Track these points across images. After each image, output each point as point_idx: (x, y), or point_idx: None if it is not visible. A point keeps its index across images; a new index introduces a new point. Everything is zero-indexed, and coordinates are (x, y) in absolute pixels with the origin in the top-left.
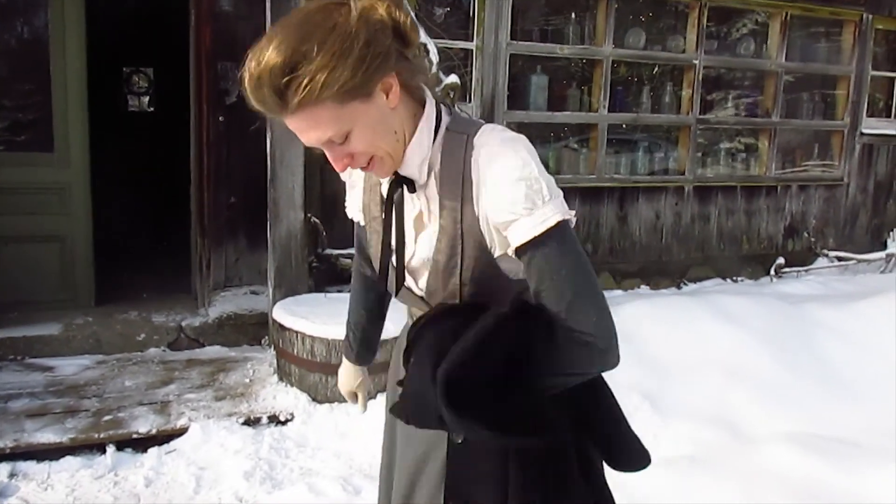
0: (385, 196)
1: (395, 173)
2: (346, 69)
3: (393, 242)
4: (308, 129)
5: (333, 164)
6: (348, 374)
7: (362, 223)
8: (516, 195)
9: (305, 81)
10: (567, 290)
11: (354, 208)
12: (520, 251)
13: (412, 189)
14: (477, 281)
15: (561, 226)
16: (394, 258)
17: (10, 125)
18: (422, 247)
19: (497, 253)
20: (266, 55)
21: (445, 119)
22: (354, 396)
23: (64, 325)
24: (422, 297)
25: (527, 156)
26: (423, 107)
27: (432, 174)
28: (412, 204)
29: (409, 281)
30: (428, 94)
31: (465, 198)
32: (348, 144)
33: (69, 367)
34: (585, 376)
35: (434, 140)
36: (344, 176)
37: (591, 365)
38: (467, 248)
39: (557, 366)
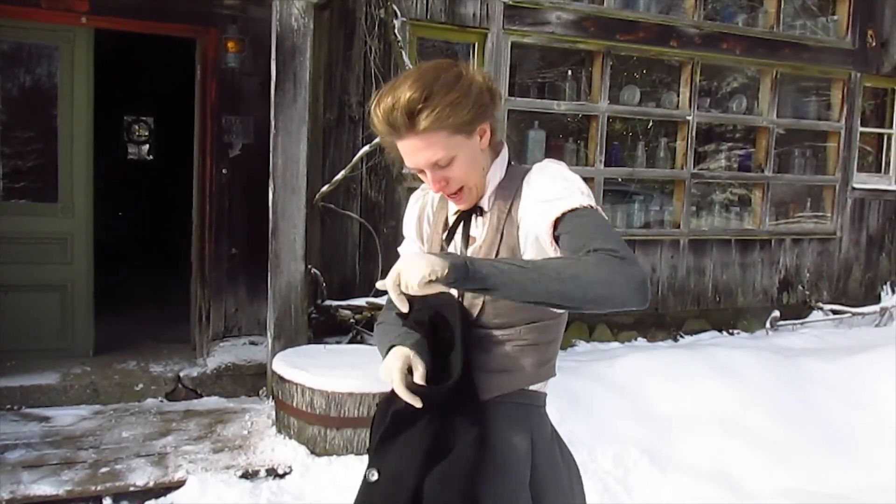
0: (449, 221)
1: None
2: (465, 108)
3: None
4: (424, 148)
5: (432, 184)
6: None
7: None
8: (555, 187)
9: (437, 110)
10: (597, 235)
11: (414, 240)
12: (556, 224)
13: (480, 214)
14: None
15: (594, 209)
16: None
17: (14, 174)
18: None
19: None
20: (403, 89)
21: (512, 162)
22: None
23: (62, 374)
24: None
25: (570, 173)
26: (499, 152)
27: (493, 199)
28: (473, 225)
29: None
30: (504, 142)
31: (511, 208)
32: (448, 170)
33: (66, 417)
34: (619, 289)
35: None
36: (411, 217)
37: (622, 274)
38: (502, 253)
39: (594, 273)
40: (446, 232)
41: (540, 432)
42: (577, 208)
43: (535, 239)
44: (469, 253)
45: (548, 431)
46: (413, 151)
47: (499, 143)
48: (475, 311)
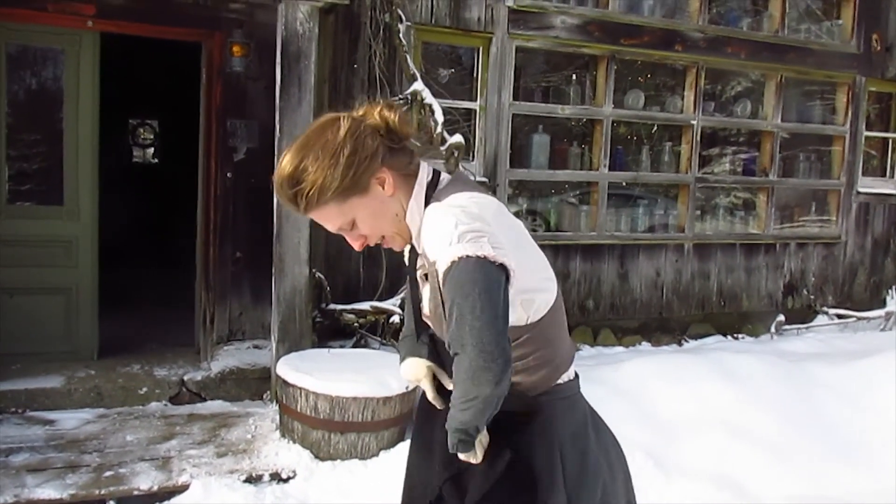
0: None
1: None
2: (337, 177)
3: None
4: (322, 221)
5: (351, 244)
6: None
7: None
8: (435, 241)
9: (307, 190)
10: (453, 323)
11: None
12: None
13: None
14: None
15: (463, 259)
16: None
17: (19, 177)
18: (426, 300)
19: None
20: (280, 169)
21: (443, 184)
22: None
23: (66, 377)
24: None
25: (451, 216)
26: (412, 189)
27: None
28: (422, 263)
29: (431, 325)
30: (423, 168)
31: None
32: (357, 230)
33: (70, 420)
34: (478, 395)
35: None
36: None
37: (471, 377)
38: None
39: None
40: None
41: (550, 434)
42: (453, 262)
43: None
44: (425, 297)
45: (571, 424)
46: (319, 221)
47: (412, 176)
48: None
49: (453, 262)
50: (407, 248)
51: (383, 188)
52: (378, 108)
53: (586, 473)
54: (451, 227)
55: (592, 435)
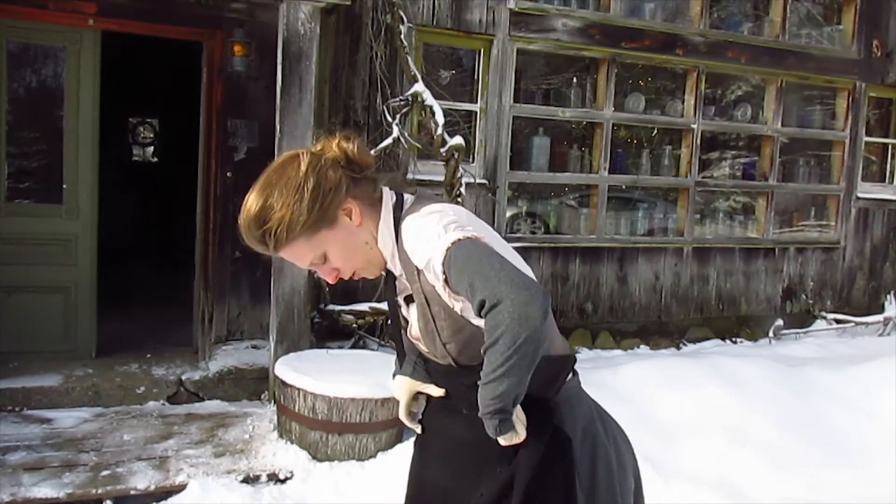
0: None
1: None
2: (303, 211)
3: (412, 319)
4: (293, 259)
5: (325, 278)
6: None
7: None
8: (422, 243)
9: (275, 228)
10: (476, 281)
11: None
12: (444, 271)
13: (396, 279)
14: (458, 340)
15: (457, 242)
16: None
17: (18, 174)
18: (413, 321)
19: (458, 307)
20: (246, 212)
21: (408, 204)
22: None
23: (63, 376)
24: (433, 358)
25: (431, 218)
26: (380, 214)
27: (397, 260)
28: (402, 286)
29: (420, 347)
30: (386, 192)
31: (418, 271)
32: (329, 263)
33: (68, 419)
34: (520, 337)
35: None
36: None
37: (517, 318)
38: (435, 313)
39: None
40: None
41: (564, 433)
42: (448, 249)
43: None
44: (412, 317)
45: (580, 418)
46: (290, 259)
47: (377, 203)
48: (450, 356)
49: (448, 249)
50: (382, 277)
51: (350, 218)
52: (336, 140)
53: (598, 463)
54: (435, 224)
55: (600, 427)
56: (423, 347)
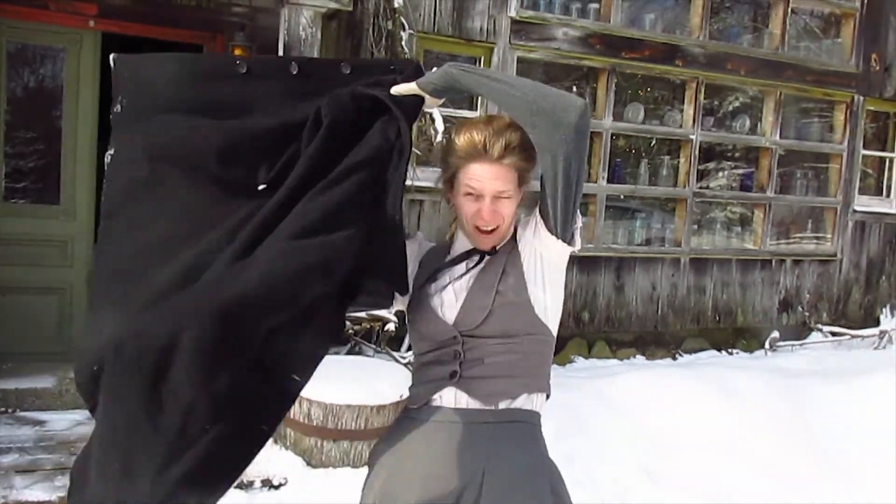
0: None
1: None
2: (532, 163)
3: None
4: (499, 177)
5: (483, 212)
6: None
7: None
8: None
9: (522, 153)
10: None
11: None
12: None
13: (484, 255)
14: (507, 316)
15: None
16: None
17: (16, 174)
18: (470, 293)
19: (531, 278)
20: (504, 125)
21: None
22: None
23: (58, 378)
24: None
25: None
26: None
27: (503, 244)
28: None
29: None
30: None
31: (515, 247)
32: (501, 204)
33: (61, 421)
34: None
35: None
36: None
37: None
38: (505, 282)
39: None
40: (440, 269)
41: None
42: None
43: (537, 258)
44: (465, 290)
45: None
46: (490, 177)
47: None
48: (482, 316)
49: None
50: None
51: (521, 195)
52: None
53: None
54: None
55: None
56: (467, 324)
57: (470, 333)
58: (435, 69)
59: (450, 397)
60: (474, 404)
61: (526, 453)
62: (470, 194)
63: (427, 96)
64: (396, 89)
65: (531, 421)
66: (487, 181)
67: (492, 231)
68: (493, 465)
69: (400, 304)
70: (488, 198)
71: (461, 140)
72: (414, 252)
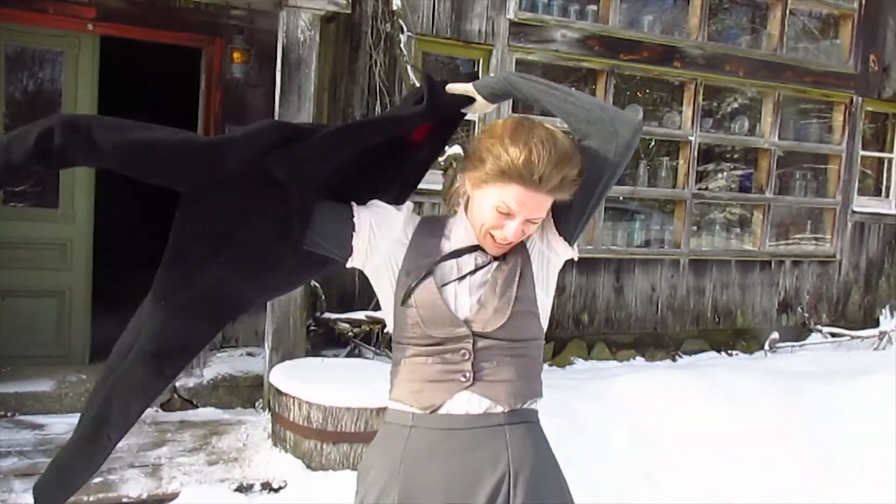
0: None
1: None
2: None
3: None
4: (541, 206)
5: (511, 232)
6: None
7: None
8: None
9: (570, 184)
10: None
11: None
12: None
13: (491, 259)
14: (522, 323)
15: None
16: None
17: None
18: (534, 287)
19: (540, 283)
20: (569, 165)
21: None
22: None
23: (57, 381)
24: (479, 335)
25: None
26: None
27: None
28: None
29: (473, 317)
30: None
31: (524, 250)
32: (529, 227)
33: (60, 425)
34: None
35: None
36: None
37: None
38: (519, 282)
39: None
40: (443, 260)
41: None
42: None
43: (545, 263)
44: (478, 288)
45: None
46: (532, 204)
47: None
48: (500, 321)
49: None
50: (449, 246)
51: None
52: None
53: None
54: None
55: None
56: (477, 320)
57: (481, 333)
58: (492, 74)
59: (462, 400)
60: (490, 407)
61: (544, 452)
62: (501, 211)
63: (480, 99)
64: (452, 87)
65: (538, 421)
66: (529, 209)
67: (507, 243)
68: (519, 467)
69: (357, 261)
70: (520, 219)
71: (514, 153)
72: (402, 219)
